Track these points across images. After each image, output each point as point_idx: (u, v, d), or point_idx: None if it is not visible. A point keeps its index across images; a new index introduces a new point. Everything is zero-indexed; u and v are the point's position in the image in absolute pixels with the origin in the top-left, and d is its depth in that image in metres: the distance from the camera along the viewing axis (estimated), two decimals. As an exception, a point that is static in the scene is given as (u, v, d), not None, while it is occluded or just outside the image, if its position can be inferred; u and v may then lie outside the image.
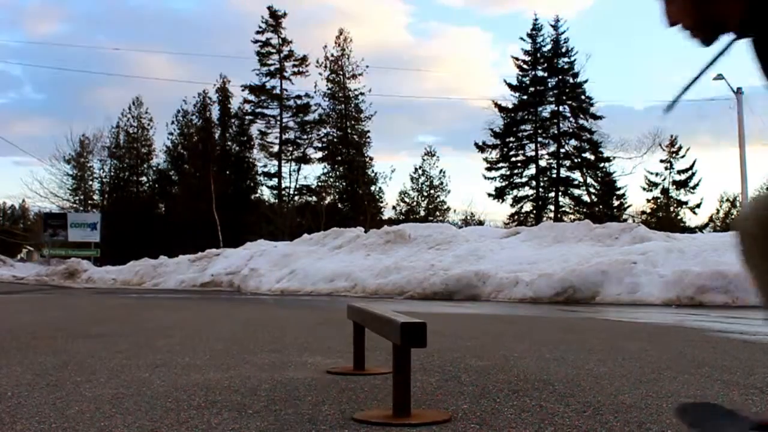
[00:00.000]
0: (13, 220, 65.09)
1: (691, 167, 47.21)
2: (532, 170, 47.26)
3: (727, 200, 51.16)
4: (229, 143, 48.47)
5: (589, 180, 47.08)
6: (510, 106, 47.03)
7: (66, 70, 69.28)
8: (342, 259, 19.50)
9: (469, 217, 49.34)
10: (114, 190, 48.74)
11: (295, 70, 48.44)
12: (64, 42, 70.16)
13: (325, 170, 48.48)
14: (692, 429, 1.95)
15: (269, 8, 47.68)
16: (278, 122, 48.58)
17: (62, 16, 74.66)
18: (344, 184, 47.81)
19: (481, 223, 46.35)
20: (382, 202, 48.42)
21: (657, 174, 47.52)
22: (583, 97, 46.21)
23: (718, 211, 51.55)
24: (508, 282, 14.47)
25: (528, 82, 46.88)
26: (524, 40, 47.21)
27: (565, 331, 6.51)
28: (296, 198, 49.01)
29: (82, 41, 70.79)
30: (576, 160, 46.88)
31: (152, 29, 71.51)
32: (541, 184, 47.17)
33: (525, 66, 46.97)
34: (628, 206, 47.55)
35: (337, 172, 48.09)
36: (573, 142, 46.95)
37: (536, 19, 48.24)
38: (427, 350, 4.14)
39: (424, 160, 50.20)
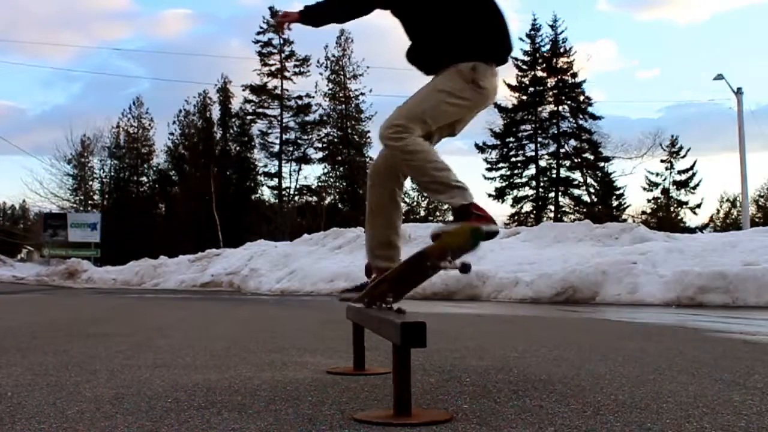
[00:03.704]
0: (13, 220, 65.11)
1: (691, 167, 47.27)
2: (532, 170, 47.32)
3: (728, 200, 51.26)
4: (230, 143, 48.50)
5: (589, 180, 47.09)
6: (510, 106, 47.06)
7: (65, 70, 69.28)
8: (342, 259, 19.50)
9: (469, 218, 49.30)
10: (114, 190, 48.75)
11: (296, 70, 48.53)
12: (62, 42, 70.25)
13: (326, 170, 48.53)
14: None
15: (270, 8, 47.74)
16: (279, 122, 48.61)
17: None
18: (344, 184, 47.83)
19: (481, 223, 46.29)
20: (382, 202, 48.37)
21: (657, 174, 47.59)
22: (582, 97, 46.24)
23: (718, 211, 51.67)
24: (508, 282, 14.47)
25: (527, 82, 46.90)
26: (523, 41, 47.29)
27: (565, 331, 6.51)
28: (296, 198, 49.03)
29: (80, 41, 70.90)
30: (576, 160, 46.89)
31: (152, 29, 71.57)
32: (541, 184, 47.19)
33: (524, 66, 46.99)
34: (628, 206, 47.63)
35: (338, 173, 48.11)
36: (573, 142, 47.00)
37: (535, 20, 48.21)
38: (427, 350, 4.14)
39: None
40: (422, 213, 48.57)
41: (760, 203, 51.73)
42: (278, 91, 48.33)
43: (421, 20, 2.91)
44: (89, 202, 47.76)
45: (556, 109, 46.70)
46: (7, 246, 47.71)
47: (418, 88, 3.03)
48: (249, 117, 48.51)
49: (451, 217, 2.94)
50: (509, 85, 47.06)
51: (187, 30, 73.14)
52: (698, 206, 47.45)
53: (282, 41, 48.12)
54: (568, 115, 46.67)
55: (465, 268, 2.79)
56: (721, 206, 51.78)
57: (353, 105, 47.92)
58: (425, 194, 2.86)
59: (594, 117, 46.06)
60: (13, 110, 74.34)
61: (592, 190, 47.23)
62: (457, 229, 2.79)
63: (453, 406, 2.78)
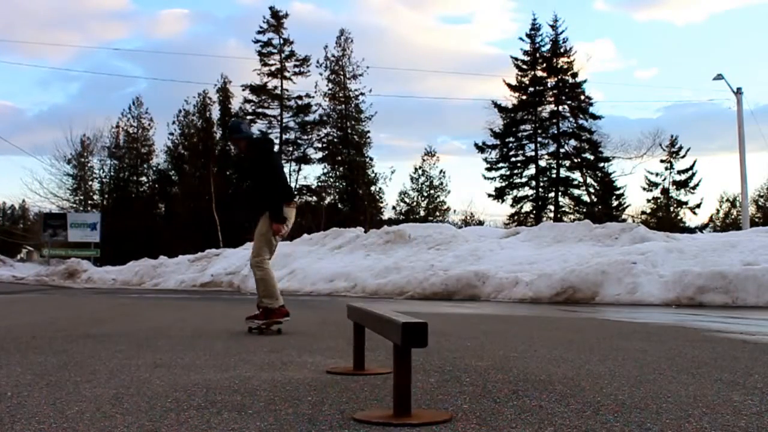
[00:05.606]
0: (13, 220, 65.11)
1: (691, 167, 47.23)
2: (531, 170, 47.26)
3: (727, 200, 51.24)
4: (230, 143, 48.45)
5: (589, 180, 47.08)
6: (509, 106, 47.03)
7: (63, 70, 69.28)
8: (342, 259, 19.50)
9: (468, 218, 49.40)
10: (114, 190, 48.69)
11: (296, 70, 48.45)
12: (60, 41, 70.23)
13: (326, 170, 48.49)
14: None
15: (271, 8, 47.73)
16: (279, 122, 48.59)
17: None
18: (344, 184, 47.80)
19: (480, 223, 46.39)
20: (382, 202, 48.47)
21: (657, 174, 47.55)
22: (582, 97, 46.20)
23: (718, 211, 51.64)
24: (508, 282, 14.46)
25: (527, 82, 46.85)
26: (523, 41, 47.25)
27: (564, 331, 6.51)
28: (296, 198, 48.97)
29: (78, 41, 70.89)
30: (576, 160, 46.87)
31: (150, 29, 71.56)
32: (541, 184, 47.15)
33: (524, 66, 46.95)
34: (627, 206, 47.60)
35: (338, 173, 48.09)
36: (572, 142, 46.95)
37: (535, 19, 48.16)
38: (427, 350, 4.14)
39: (424, 160, 50.27)
40: (422, 213, 48.55)
41: (759, 203, 51.72)
42: (278, 91, 48.30)
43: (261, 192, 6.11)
44: (89, 202, 47.71)
45: (556, 108, 46.66)
46: (7, 246, 47.70)
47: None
48: (249, 117, 48.49)
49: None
50: (509, 85, 47.04)
51: (186, 30, 73.08)
52: (698, 206, 47.44)
53: (282, 41, 48.15)
54: (568, 114, 46.62)
55: (261, 331, 5.90)
56: (720, 206, 51.80)
57: (353, 105, 47.86)
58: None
59: (594, 117, 46.03)
60: (12, 110, 74.31)
61: (592, 190, 47.21)
62: (268, 321, 6.00)
63: (453, 406, 2.78)
